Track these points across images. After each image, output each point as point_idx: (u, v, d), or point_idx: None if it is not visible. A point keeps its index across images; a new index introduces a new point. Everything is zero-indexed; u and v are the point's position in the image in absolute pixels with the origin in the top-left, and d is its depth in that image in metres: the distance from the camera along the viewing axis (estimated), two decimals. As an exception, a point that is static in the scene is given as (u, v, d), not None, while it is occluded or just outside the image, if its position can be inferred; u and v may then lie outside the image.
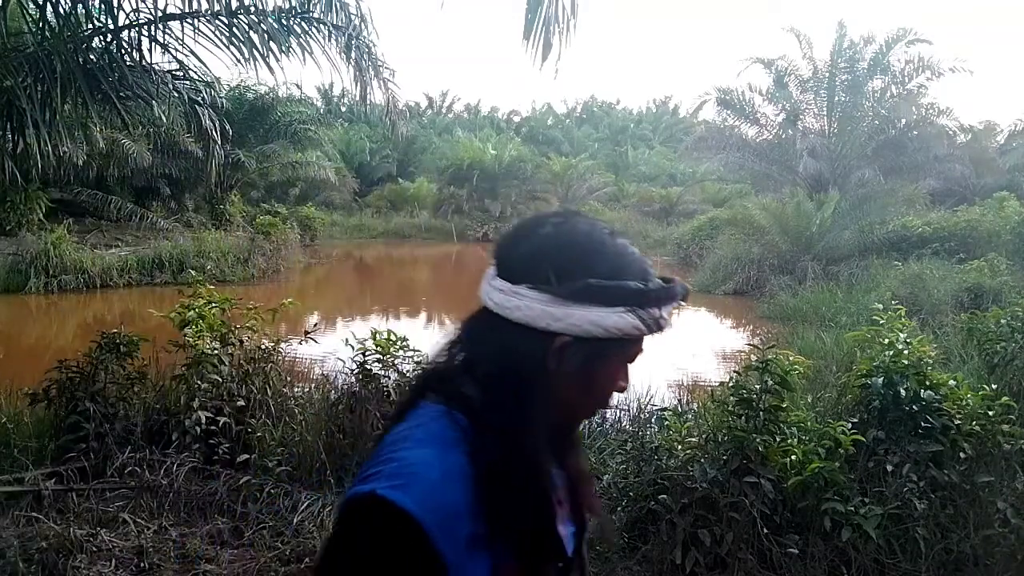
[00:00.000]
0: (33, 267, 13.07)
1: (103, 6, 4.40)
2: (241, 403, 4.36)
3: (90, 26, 4.52)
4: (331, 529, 0.85)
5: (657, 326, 0.87)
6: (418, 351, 4.22)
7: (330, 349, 6.05)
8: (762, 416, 3.29)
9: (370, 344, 4.24)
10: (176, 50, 4.61)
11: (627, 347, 0.90)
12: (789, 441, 3.30)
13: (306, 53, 4.74)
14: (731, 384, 3.48)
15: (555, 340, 0.84)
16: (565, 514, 0.92)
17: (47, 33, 4.22)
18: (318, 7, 4.78)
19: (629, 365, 0.94)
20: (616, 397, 0.98)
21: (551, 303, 0.83)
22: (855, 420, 3.51)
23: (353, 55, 4.99)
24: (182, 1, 4.39)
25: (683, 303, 0.92)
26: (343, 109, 36.46)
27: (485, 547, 0.78)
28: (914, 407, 3.39)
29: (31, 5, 4.47)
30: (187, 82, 5.02)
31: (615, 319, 0.84)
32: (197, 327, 4.48)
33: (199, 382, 4.25)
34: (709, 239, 19.16)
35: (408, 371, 4.20)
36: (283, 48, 4.62)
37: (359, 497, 0.77)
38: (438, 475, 0.78)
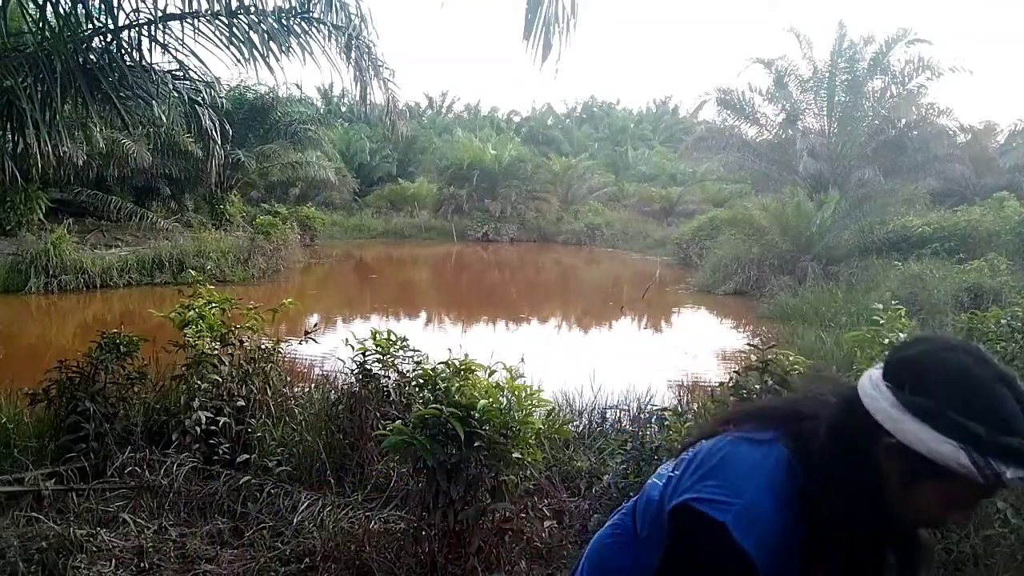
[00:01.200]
0: (33, 267, 13.06)
1: (103, 6, 4.39)
2: (241, 403, 4.35)
3: (90, 26, 4.51)
4: (680, 533, 1.07)
5: (996, 479, 0.89)
6: (418, 351, 4.22)
7: (330, 349, 6.05)
8: (762, 416, 3.29)
9: (370, 344, 4.24)
10: (176, 50, 4.61)
11: (955, 482, 0.92)
12: (789, 441, 3.29)
13: (306, 53, 4.74)
14: (731, 384, 3.47)
15: (885, 438, 0.95)
16: None
17: (47, 33, 4.22)
18: (318, 7, 4.78)
19: (965, 505, 0.98)
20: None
21: (894, 405, 0.95)
22: (855, 420, 3.50)
23: (353, 55, 4.99)
24: (182, 1, 4.39)
25: None
26: (343, 109, 36.51)
27: None
28: (914, 407, 3.38)
29: (31, 5, 4.46)
30: (187, 82, 5.01)
31: (943, 448, 0.90)
32: (197, 327, 4.48)
33: (199, 382, 4.24)
34: (709, 239, 19.16)
35: (408, 371, 4.20)
36: (283, 48, 4.62)
37: (713, 522, 1.00)
38: (769, 527, 0.98)
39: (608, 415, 5.28)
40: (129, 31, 4.46)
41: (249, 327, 4.65)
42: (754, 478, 1.02)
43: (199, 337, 4.40)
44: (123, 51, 4.49)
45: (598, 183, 32.42)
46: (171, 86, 4.85)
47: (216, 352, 4.36)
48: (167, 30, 4.44)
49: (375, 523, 3.50)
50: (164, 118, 5.82)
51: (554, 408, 3.42)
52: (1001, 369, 0.95)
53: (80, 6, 4.35)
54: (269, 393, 4.55)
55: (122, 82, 4.37)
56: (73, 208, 16.92)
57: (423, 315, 14.07)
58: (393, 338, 4.27)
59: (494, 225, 28.12)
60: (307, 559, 3.28)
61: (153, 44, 4.40)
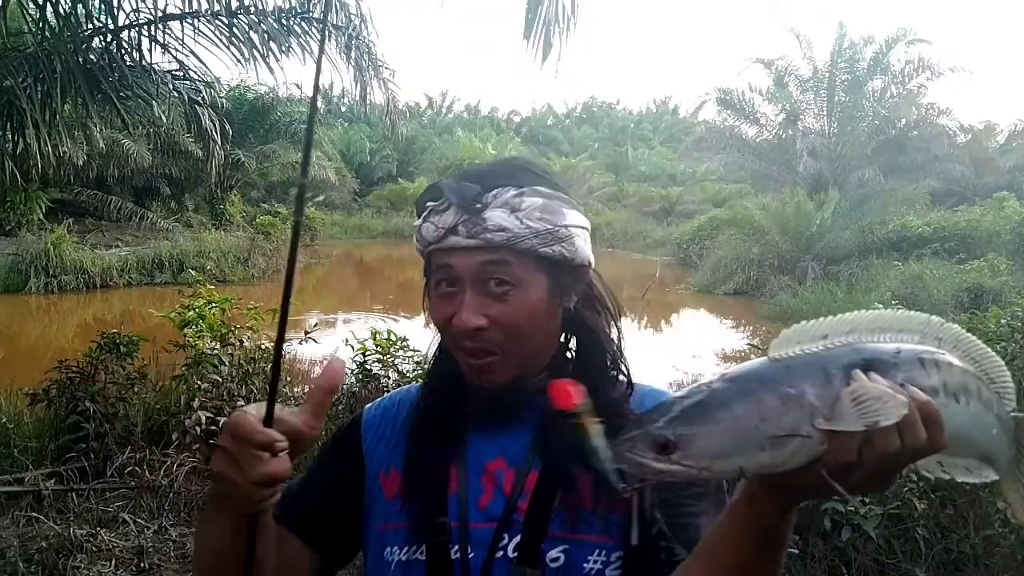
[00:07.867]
0: (33, 267, 13.07)
1: (103, 6, 4.40)
2: (241, 403, 4.35)
3: (90, 26, 4.52)
4: None
5: (420, 236, 0.90)
6: (418, 351, 4.22)
7: (330, 349, 6.05)
8: (762, 416, 3.29)
9: (370, 344, 4.24)
10: (176, 50, 4.61)
11: (432, 274, 0.93)
12: (789, 441, 3.29)
13: (306, 53, 4.74)
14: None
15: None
16: (493, 496, 0.90)
17: (47, 33, 4.22)
18: (318, 7, 4.79)
19: (452, 294, 0.90)
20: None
21: None
22: (855, 420, 3.50)
23: (353, 55, 5.00)
24: (182, 1, 4.39)
25: (459, 199, 0.84)
26: (343, 109, 36.44)
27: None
28: (914, 407, 3.38)
29: (31, 5, 4.47)
30: (187, 82, 5.02)
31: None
32: (197, 327, 4.48)
33: (199, 382, 4.24)
34: (709, 239, 19.16)
35: (408, 371, 4.20)
36: (283, 48, 4.62)
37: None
38: (382, 405, 1.08)
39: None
40: (129, 31, 4.47)
41: (249, 327, 4.65)
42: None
43: (199, 337, 4.41)
44: (123, 51, 4.49)
45: (598, 183, 32.41)
46: (171, 86, 4.85)
47: (216, 352, 4.37)
48: (167, 30, 4.44)
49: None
50: (164, 118, 5.83)
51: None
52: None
53: (80, 6, 4.35)
54: (269, 393, 4.55)
55: (122, 82, 4.37)
56: (73, 208, 16.92)
57: (423, 315, 14.06)
58: (393, 338, 4.27)
59: (494, 225, 28.10)
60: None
61: (153, 44, 4.40)
